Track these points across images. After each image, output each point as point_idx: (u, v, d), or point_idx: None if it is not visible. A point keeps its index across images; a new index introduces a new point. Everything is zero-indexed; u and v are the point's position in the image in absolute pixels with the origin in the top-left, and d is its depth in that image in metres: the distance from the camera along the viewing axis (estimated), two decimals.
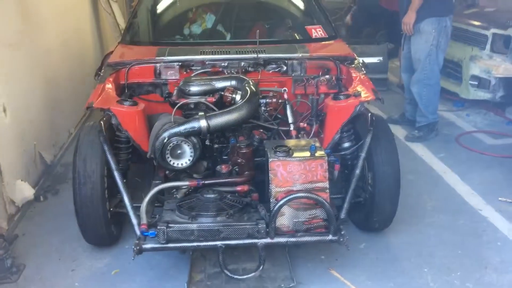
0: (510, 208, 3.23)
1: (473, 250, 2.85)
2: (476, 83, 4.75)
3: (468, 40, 4.89)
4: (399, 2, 4.48)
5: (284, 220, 2.40)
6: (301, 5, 4.03)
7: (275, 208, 2.33)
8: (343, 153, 2.81)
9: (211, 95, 2.90)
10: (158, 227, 2.32)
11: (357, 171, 2.58)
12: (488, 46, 4.70)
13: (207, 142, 2.77)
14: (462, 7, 5.50)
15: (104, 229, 2.74)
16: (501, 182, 3.62)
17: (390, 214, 2.85)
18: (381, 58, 5.61)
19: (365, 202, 2.85)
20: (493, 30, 4.67)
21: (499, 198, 3.35)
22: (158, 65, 3.20)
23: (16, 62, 3.42)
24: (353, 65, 3.23)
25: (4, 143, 3.15)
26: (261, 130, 2.93)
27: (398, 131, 4.54)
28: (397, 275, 2.65)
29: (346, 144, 2.87)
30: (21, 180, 3.31)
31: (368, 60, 3.83)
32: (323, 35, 3.68)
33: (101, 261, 2.82)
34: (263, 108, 2.98)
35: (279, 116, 3.06)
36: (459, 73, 4.95)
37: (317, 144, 2.54)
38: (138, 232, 2.37)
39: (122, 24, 5.79)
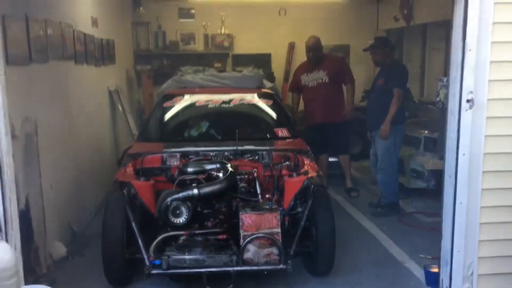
0: (427, 262, 4.24)
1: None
2: (415, 175, 5.99)
3: (408, 142, 6.19)
4: (367, 115, 5.92)
5: (250, 254, 3.48)
6: (272, 114, 5.38)
7: (242, 245, 3.43)
8: (294, 212, 3.92)
9: (202, 174, 4.09)
10: (162, 257, 3.39)
11: (302, 223, 3.71)
12: (421, 146, 6.02)
13: (199, 209, 3.90)
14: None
15: (122, 269, 3.78)
16: (425, 246, 4.64)
17: (330, 260, 3.90)
18: None
19: (312, 251, 3.92)
20: (424, 134, 6.02)
21: (420, 255, 4.39)
22: (164, 155, 4.41)
23: (61, 153, 4.67)
24: (306, 155, 4.47)
25: (49, 212, 4.26)
26: (238, 200, 4.07)
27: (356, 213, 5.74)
28: None
29: (300, 209, 4.00)
30: (57, 241, 4.38)
31: None
32: (287, 135, 4.99)
33: None
34: (240, 183, 4.15)
35: (252, 190, 4.22)
36: (403, 168, 6.19)
37: (274, 204, 3.69)
38: (147, 262, 3.43)
39: (134, 129, 7.17)
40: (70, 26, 5.06)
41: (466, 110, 3.19)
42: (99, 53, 6.26)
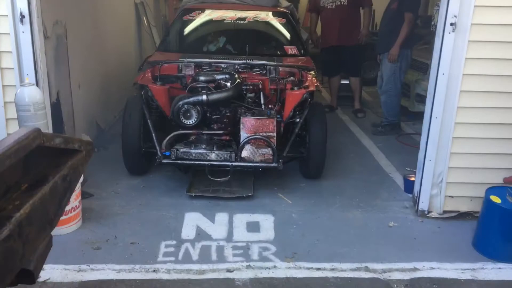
0: (411, 173, 4.71)
1: (373, 191, 4.38)
2: (419, 99, 6.29)
3: (416, 68, 6.44)
4: (379, 38, 6.16)
5: (247, 153, 3.99)
6: (284, 32, 5.69)
7: (241, 144, 3.93)
8: (291, 120, 4.37)
9: (212, 82, 4.53)
10: (171, 149, 3.94)
11: (296, 130, 4.17)
12: (428, 72, 6.26)
13: (208, 114, 4.38)
14: (420, 43, 7.09)
15: (139, 160, 4.37)
16: (414, 162, 4.96)
17: (321, 164, 4.40)
18: None
19: (305, 156, 4.41)
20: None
21: (406, 168, 4.84)
22: (180, 64, 4.84)
23: (89, 57, 5.17)
24: (310, 72, 4.84)
25: (77, 108, 4.83)
26: (242, 108, 4.52)
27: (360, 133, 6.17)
28: (318, 197, 4.21)
29: (298, 119, 4.44)
30: (85, 134, 4.99)
31: None
32: (296, 52, 5.33)
33: (135, 181, 4.43)
34: (246, 94, 4.59)
35: (256, 100, 4.65)
36: (409, 92, 6.49)
37: (272, 111, 4.14)
38: (159, 153, 3.99)
39: (157, 42, 7.57)
40: None
41: (449, 32, 3.47)
42: None
